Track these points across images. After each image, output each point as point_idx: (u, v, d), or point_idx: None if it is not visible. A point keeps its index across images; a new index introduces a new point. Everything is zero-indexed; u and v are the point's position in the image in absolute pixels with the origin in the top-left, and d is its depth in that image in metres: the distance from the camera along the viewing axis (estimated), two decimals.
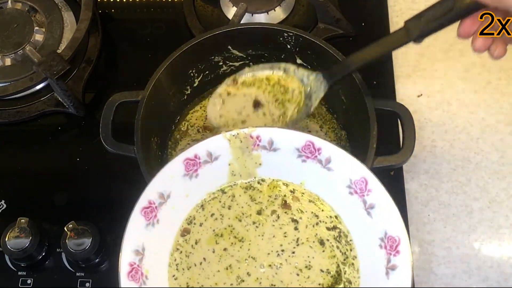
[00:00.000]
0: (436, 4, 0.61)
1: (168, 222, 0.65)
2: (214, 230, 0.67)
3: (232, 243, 0.66)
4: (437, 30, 0.62)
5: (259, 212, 0.68)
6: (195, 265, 0.65)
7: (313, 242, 0.66)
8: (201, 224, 0.67)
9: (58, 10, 0.91)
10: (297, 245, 0.66)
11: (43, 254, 0.75)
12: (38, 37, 0.88)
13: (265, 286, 0.64)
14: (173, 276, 0.64)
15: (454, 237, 0.77)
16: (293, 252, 0.66)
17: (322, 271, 0.65)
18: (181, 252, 0.66)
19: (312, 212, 0.67)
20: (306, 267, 0.65)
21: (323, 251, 0.66)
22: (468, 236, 0.78)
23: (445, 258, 0.76)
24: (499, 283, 0.75)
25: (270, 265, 0.65)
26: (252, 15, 0.90)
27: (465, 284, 0.75)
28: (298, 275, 0.65)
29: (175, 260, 0.65)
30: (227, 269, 0.65)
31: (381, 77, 0.87)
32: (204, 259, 0.65)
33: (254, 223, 0.68)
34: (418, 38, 0.63)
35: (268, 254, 0.66)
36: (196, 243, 0.66)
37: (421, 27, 0.62)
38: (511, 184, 0.80)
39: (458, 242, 0.77)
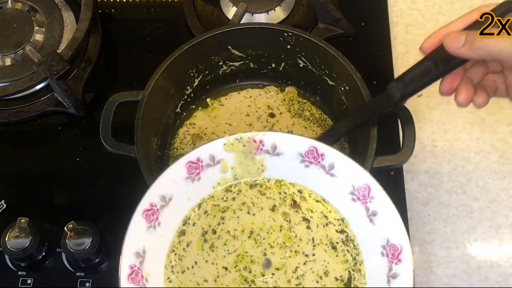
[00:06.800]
0: (415, 65, 0.62)
1: (169, 225, 0.65)
2: (203, 228, 0.66)
3: (226, 241, 0.66)
4: (418, 90, 0.63)
5: (272, 209, 0.67)
6: (188, 268, 0.65)
7: (326, 244, 0.66)
8: (194, 224, 0.66)
9: (58, 10, 0.90)
10: (314, 246, 0.66)
11: (43, 254, 0.75)
12: (38, 37, 0.87)
13: None
14: (168, 278, 0.64)
15: (454, 237, 0.77)
16: (314, 255, 0.65)
17: (336, 278, 0.64)
18: (175, 254, 0.65)
19: (321, 212, 0.67)
20: (324, 273, 0.64)
21: (337, 255, 0.65)
22: (468, 236, 0.77)
23: (445, 258, 0.76)
24: (499, 283, 0.74)
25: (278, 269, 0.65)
26: (252, 15, 0.90)
27: (465, 284, 0.74)
28: (317, 282, 0.64)
29: (171, 262, 0.64)
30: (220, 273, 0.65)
31: (381, 77, 0.87)
32: (196, 262, 0.65)
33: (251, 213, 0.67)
34: (401, 100, 0.65)
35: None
36: (187, 245, 0.66)
37: (402, 89, 0.63)
38: (511, 184, 0.80)
39: (458, 242, 0.77)
